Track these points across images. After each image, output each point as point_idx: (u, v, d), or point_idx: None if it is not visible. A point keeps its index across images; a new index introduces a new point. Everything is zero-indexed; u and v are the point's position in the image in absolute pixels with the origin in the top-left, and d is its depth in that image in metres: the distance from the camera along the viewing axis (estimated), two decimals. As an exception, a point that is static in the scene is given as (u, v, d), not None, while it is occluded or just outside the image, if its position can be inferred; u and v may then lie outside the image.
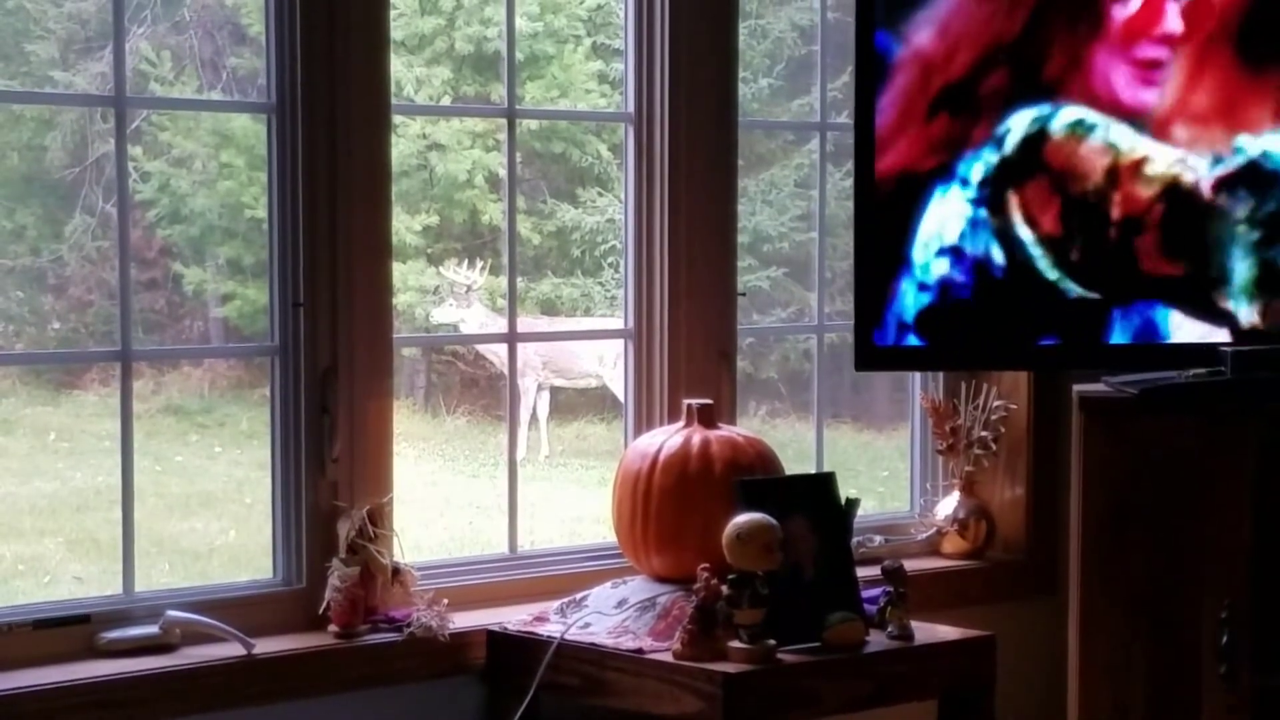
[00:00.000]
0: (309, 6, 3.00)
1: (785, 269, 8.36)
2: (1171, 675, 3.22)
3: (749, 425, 6.47)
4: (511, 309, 3.47)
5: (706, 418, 3.19)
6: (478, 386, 8.68)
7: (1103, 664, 3.25)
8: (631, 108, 3.47)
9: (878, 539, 3.76)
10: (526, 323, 8.05)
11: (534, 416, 8.27)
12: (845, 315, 3.68)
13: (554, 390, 8.39)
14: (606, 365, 8.06)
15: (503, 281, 3.46)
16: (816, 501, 3.08)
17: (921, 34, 3.26)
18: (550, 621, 3.09)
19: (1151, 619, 3.23)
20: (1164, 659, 3.22)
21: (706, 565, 2.88)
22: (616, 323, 3.58)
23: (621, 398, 3.61)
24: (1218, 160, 3.28)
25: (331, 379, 3.05)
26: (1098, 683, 3.25)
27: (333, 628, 3.00)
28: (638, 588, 3.12)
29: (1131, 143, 3.27)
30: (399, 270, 7.69)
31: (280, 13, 3.02)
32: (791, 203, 8.46)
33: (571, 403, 8.62)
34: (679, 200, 3.45)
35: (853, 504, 3.12)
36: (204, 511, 6.82)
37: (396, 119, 3.23)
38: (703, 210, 3.47)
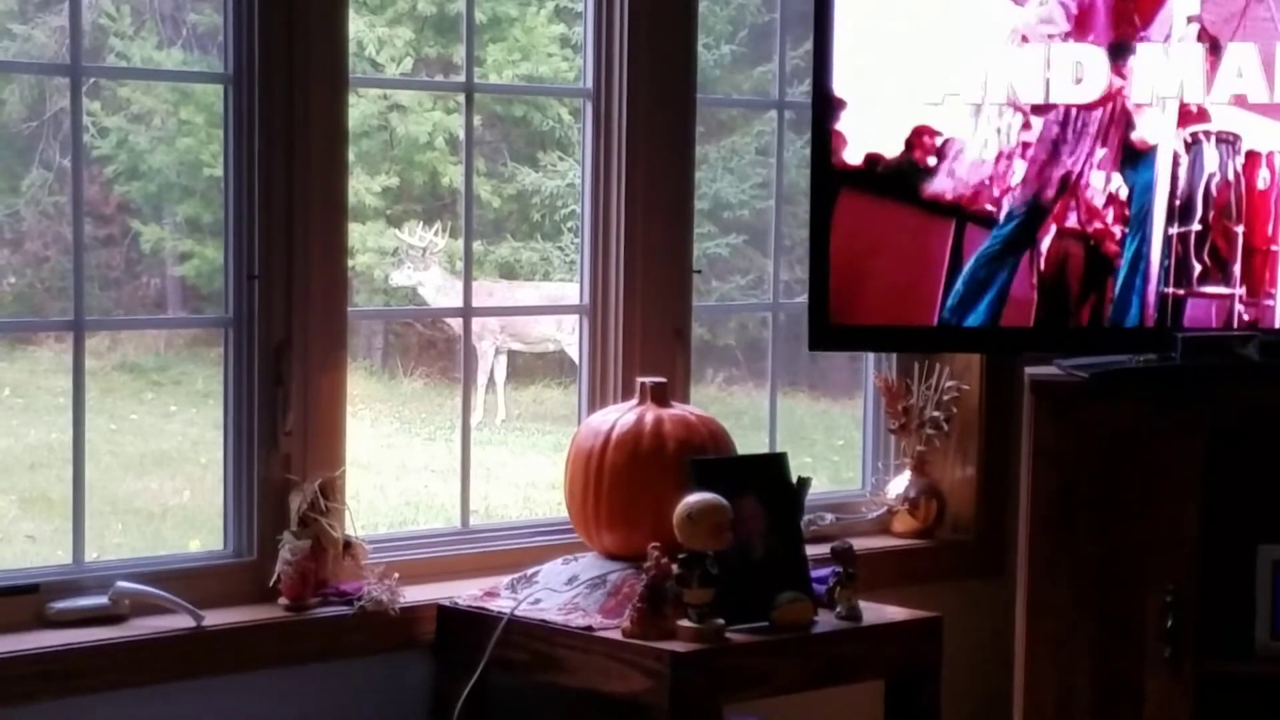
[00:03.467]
0: (269, -33, 2.98)
1: (745, 236, 8.35)
2: (1117, 658, 3.25)
3: (706, 393, 6.47)
4: (467, 284, 3.47)
5: (660, 396, 3.19)
6: (435, 348, 8.66)
7: (1049, 645, 3.28)
8: (590, 83, 3.47)
9: (829, 517, 3.78)
10: (485, 286, 8.03)
11: (491, 380, 8.25)
12: (804, 283, 3.69)
13: (512, 354, 8.37)
14: (565, 330, 8.05)
15: (462, 245, 3.45)
16: (768, 481, 3.10)
17: None
18: (501, 597, 3.10)
19: (1098, 602, 3.26)
20: (1110, 642, 3.25)
21: (657, 544, 2.90)
22: (574, 289, 3.58)
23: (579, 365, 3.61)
24: None
25: (285, 351, 3.04)
26: (1044, 664, 3.28)
27: (283, 600, 3.00)
28: (589, 565, 3.13)
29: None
30: (358, 232, 7.65)
31: (240, -28, 2.99)
32: (752, 170, 8.45)
33: (529, 366, 8.61)
34: (636, 177, 3.45)
35: (804, 484, 3.13)
36: (158, 471, 6.79)
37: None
38: (660, 188, 3.47)
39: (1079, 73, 3.27)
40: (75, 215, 2.97)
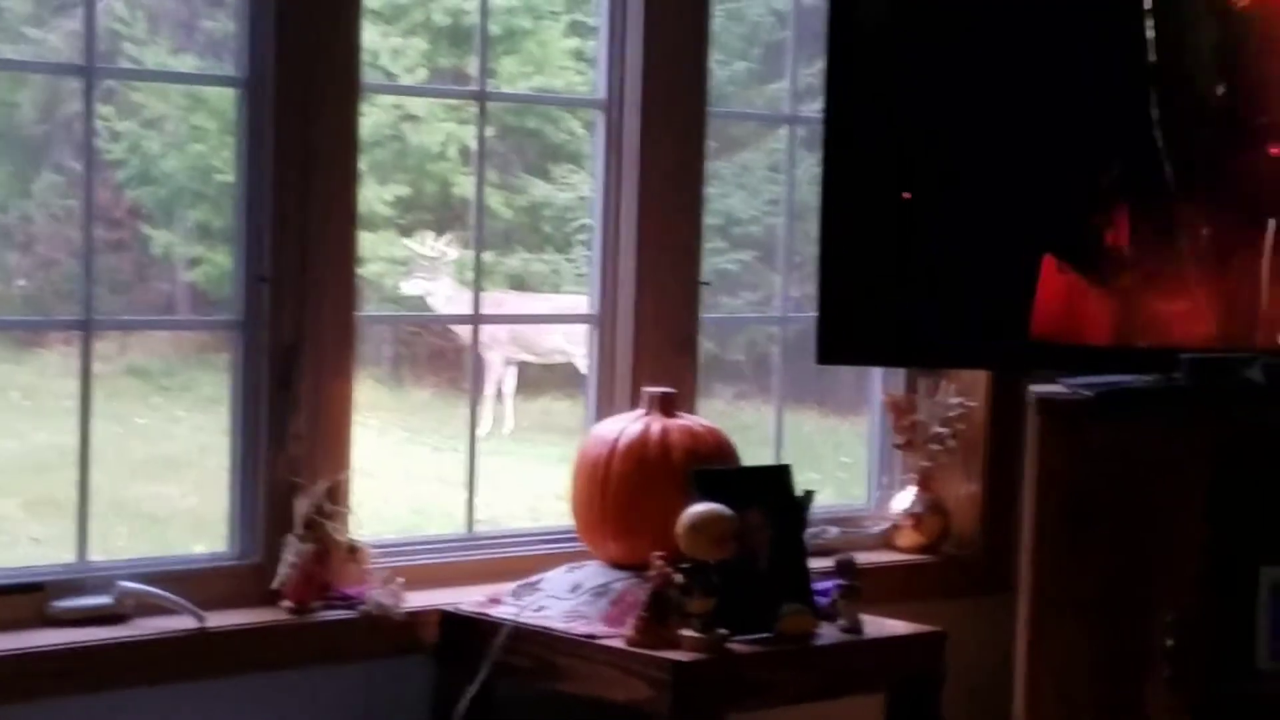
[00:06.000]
0: (282, -27, 2.99)
1: (756, 252, 8.36)
2: (1118, 677, 3.25)
3: (714, 407, 6.47)
4: (476, 291, 3.48)
5: (667, 406, 3.20)
6: (444, 358, 8.66)
7: (1051, 664, 3.28)
8: (603, 94, 3.48)
9: (833, 530, 3.78)
10: (495, 298, 8.03)
11: (499, 391, 8.26)
12: (814, 300, 3.69)
13: (521, 365, 8.38)
14: (574, 343, 8.06)
15: (473, 255, 3.46)
16: (772, 493, 3.10)
17: None
18: (505, 604, 3.11)
19: (1101, 621, 3.26)
20: (1111, 661, 3.25)
21: (661, 553, 2.90)
22: (583, 301, 3.59)
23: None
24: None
25: (294, 355, 3.05)
26: (1045, 682, 3.28)
27: (286, 603, 3.00)
28: (593, 573, 3.14)
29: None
30: (369, 240, 7.66)
31: (255, -18, 3.01)
32: (764, 186, 8.46)
33: (538, 378, 8.61)
34: (647, 189, 3.46)
35: (808, 496, 3.14)
36: (165, 476, 6.80)
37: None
38: (670, 200, 3.49)
39: None
40: (86, 218, 2.98)
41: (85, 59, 2.95)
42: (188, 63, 7.54)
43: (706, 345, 3.66)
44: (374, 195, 8.02)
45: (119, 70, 5.88)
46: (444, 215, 8.51)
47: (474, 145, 3.45)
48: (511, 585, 3.17)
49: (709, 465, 3.09)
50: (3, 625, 2.79)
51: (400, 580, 3.08)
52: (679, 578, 2.87)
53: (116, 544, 5.73)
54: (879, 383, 3.98)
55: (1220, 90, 3.29)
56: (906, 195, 3.26)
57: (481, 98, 3.42)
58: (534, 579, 3.17)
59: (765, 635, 2.96)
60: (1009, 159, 3.31)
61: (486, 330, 7.64)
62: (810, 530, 3.37)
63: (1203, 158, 3.30)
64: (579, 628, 2.97)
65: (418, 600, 3.11)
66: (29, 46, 7.23)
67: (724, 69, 8.10)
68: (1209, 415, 3.19)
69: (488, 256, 6.90)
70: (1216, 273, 3.31)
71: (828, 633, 3.05)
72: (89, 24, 2.96)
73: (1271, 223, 3.29)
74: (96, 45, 2.97)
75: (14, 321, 7.40)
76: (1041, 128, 3.30)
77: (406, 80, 8.06)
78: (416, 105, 8.24)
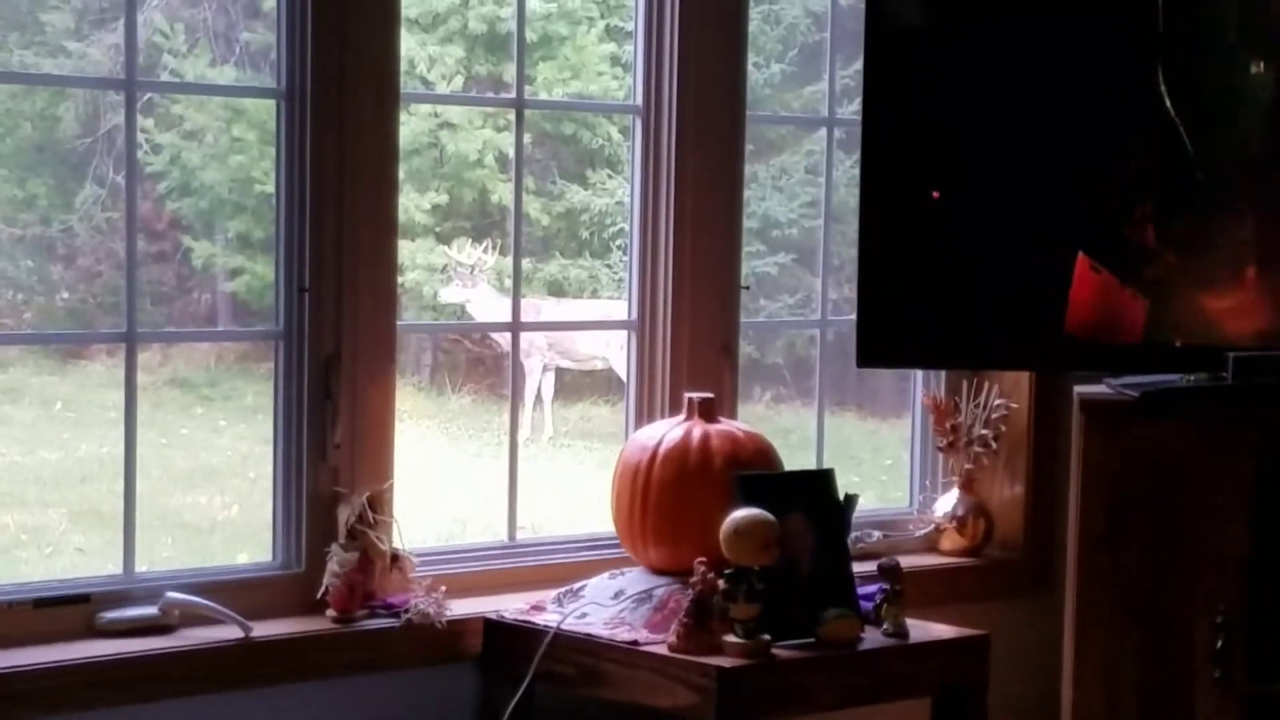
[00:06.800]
0: (322, -14, 3.00)
1: (794, 255, 8.35)
2: (1165, 678, 3.23)
3: (753, 411, 6.46)
4: (515, 300, 3.48)
5: (707, 411, 3.20)
6: (484, 365, 8.68)
7: (1097, 665, 3.26)
8: (640, 99, 3.48)
9: (876, 534, 3.77)
10: (533, 304, 8.05)
11: (539, 397, 8.27)
12: (853, 303, 3.69)
13: (559, 371, 8.39)
14: (613, 348, 8.06)
15: (511, 262, 3.47)
16: (815, 497, 3.09)
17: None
18: (547, 611, 3.11)
19: (1147, 621, 3.24)
20: (1158, 662, 3.23)
21: (703, 559, 2.90)
22: (622, 306, 3.59)
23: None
24: None
25: (335, 365, 3.06)
26: (1092, 683, 3.26)
27: (330, 612, 3.01)
28: (635, 579, 3.13)
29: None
30: (407, 248, 7.69)
31: (293, -10, 3.02)
32: (802, 189, 8.45)
33: (577, 384, 8.62)
34: (685, 194, 3.45)
35: (851, 500, 3.13)
36: (207, 486, 6.83)
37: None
38: (708, 204, 3.48)
39: None
40: (129, 230, 3.00)
41: (126, 72, 2.96)
42: (227, 75, 7.59)
43: (745, 349, 3.66)
44: (412, 203, 8.04)
45: (160, 84, 5.93)
46: (482, 222, 8.53)
47: (511, 152, 3.45)
48: (554, 592, 3.17)
49: (751, 470, 3.08)
50: (50, 637, 2.80)
51: (443, 588, 3.08)
52: (722, 584, 2.86)
53: (161, 554, 5.76)
54: (920, 384, 3.96)
55: (1257, 71, 3.27)
56: (935, 194, 3.25)
57: (519, 105, 3.42)
58: (576, 586, 3.17)
59: (809, 640, 2.95)
60: (1048, 157, 3.29)
61: (525, 337, 7.66)
62: (853, 534, 3.37)
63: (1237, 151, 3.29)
64: (622, 634, 2.97)
65: (461, 608, 3.12)
66: (70, 60, 7.29)
67: (760, 71, 8.10)
68: (1254, 414, 3.17)
69: (526, 263, 6.91)
70: (1262, 269, 3.29)
71: (872, 637, 3.04)
72: (129, 37, 2.98)
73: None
74: (137, 58, 2.99)
75: (59, 335, 7.45)
76: (1078, 125, 3.28)
77: (443, 88, 8.08)
78: (454, 113, 8.26)
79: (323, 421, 3.06)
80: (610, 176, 8.47)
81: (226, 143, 7.73)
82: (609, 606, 3.07)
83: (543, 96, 8.03)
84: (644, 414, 3.47)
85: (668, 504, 3.09)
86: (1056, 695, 3.33)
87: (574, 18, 8.43)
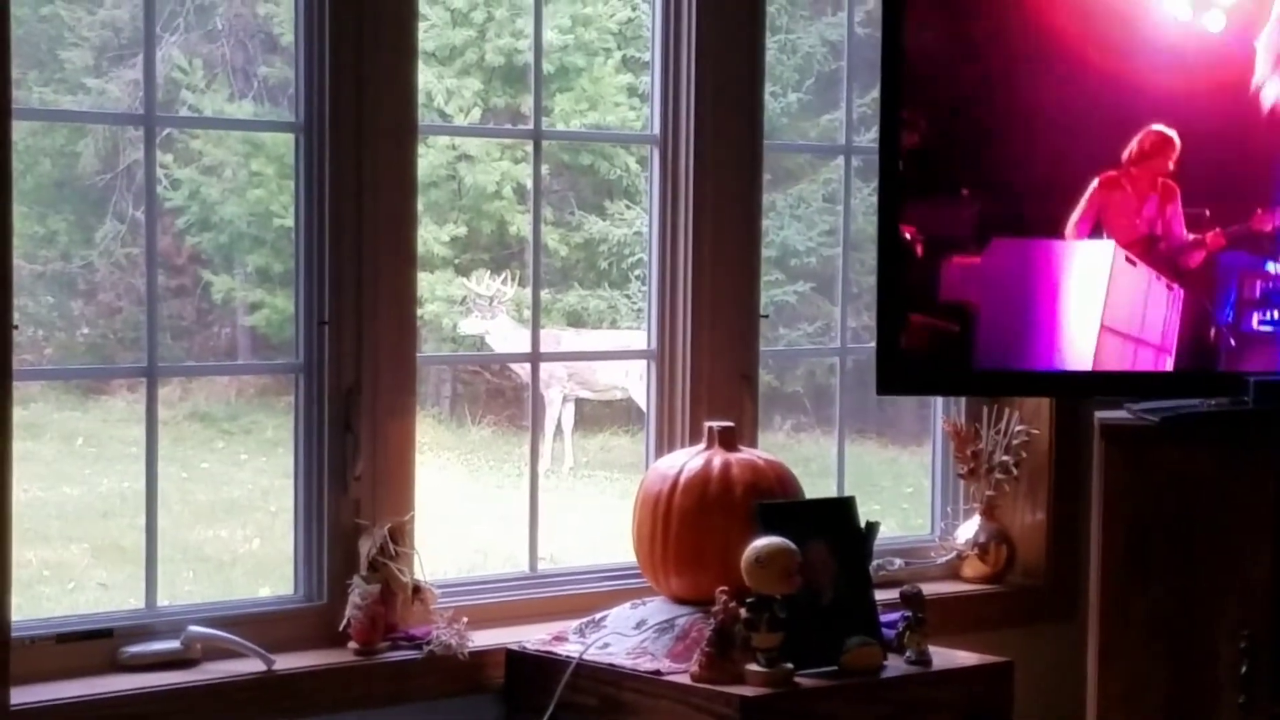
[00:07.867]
0: (339, 19, 3.01)
1: (812, 284, 8.36)
2: (1190, 704, 3.21)
3: (774, 439, 6.45)
4: (535, 329, 3.48)
5: (727, 440, 3.20)
6: (503, 396, 8.70)
7: (1121, 691, 3.25)
8: (657, 129, 3.49)
9: (897, 562, 3.76)
10: (552, 335, 8.06)
11: (559, 428, 8.28)
12: (872, 330, 3.69)
13: (579, 402, 8.40)
14: (632, 378, 8.07)
15: (530, 293, 3.47)
16: (836, 525, 3.09)
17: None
18: (569, 641, 3.10)
19: (1171, 647, 3.22)
20: (1182, 688, 3.22)
21: (725, 588, 2.89)
22: (641, 336, 3.59)
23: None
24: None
25: (355, 397, 3.07)
26: (1115, 710, 3.25)
27: (353, 645, 3.01)
28: (657, 609, 3.13)
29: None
30: (426, 280, 7.71)
31: (310, 25, 3.03)
32: (819, 217, 8.46)
33: (596, 414, 8.64)
34: (703, 223, 3.46)
35: (872, 528, 3.12)
36: (228, 519, 6.85)
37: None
38: (727, 233, 3.48)
39: None
40: (149, 265, 3.01)
41: (145, 107, 2.98)
42: (245, 109, 7.63)
43: (765, 377, 3.65)
44: (431, 235, 8.07)
45: (179, 119, 5.96)
46: (500, 254, 8.56)
47: (529, 183, 3.46)
48: (575, 623, 3.17)
49: (772, 499, 3.08)
50: (73, 671, 2.80)
51: (465, 620, 3.08)
52: (744, 612, 2.86)
53: (183, 588, 5.78)
54: (940, 411, 3.96)
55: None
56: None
57: (537, 136, 3.43)
58: (598, 616, 3.17)
59: (831, 669, 2.94)
60: (1062, 180, 3.29)
61: (545, 367, 7.66)
62: (875, 562, 3.36)
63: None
64: (644, 664, 2.96)
65: (482, 639, 3.11)
66: (89, 97, 7.33)
67: (778, 100, 8.12)
68: (1276, 438, 3.16)
69: (545, 294, 6.91)
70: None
71: (894, 665, 3.03)
72: (148, 73, 3.00)
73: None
74: (156, 94, 3.00)
75: (80, 370, 7.48)
76: (1093, 150, 3.28)
77: (460, 120, 8.11)
78: (472, 145, 8.29)
79: (343, 454, 3.06)
80: (628, 207, 8.49)
81: (245, 177, 7.77)
82: (631, 636, 3.06)
83: (560, 128, 8.05)
84: (664, 443, 3.47)
85: (689, 533, 3.09)
86: (1081, 722, 3.32)
87: (591, 49, 8.46)
